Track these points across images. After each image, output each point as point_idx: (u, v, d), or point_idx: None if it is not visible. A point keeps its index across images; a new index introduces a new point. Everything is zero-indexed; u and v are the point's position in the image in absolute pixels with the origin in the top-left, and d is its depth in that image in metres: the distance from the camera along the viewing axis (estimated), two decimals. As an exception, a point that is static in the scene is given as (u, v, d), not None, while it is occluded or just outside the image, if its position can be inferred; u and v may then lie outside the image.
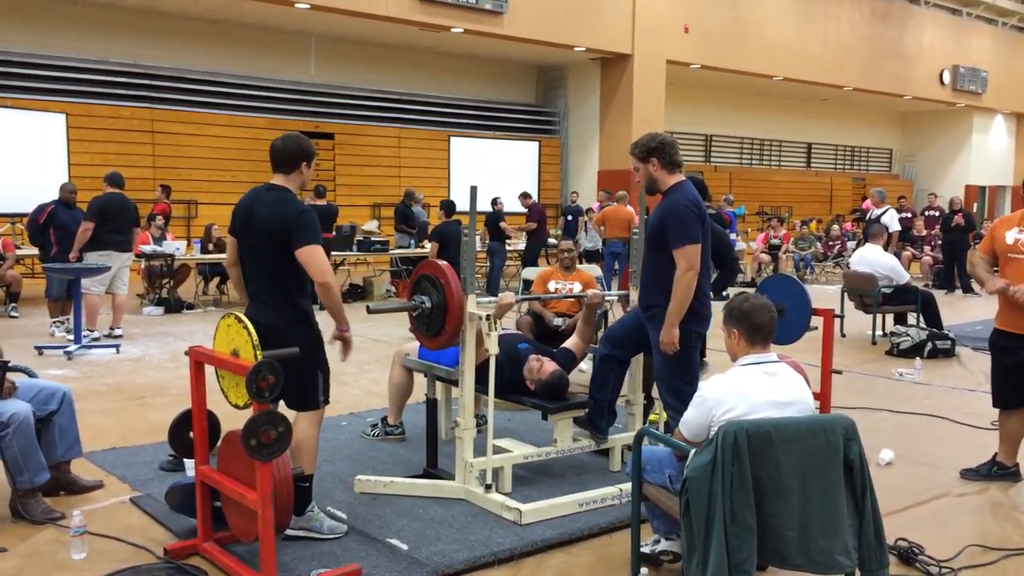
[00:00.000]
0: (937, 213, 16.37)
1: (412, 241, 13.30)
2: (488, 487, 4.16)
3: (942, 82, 25.18)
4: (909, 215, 16.49)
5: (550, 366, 4.58)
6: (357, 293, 12.64)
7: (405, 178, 17.47)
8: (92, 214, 8.52)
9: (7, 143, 13.53)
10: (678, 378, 4.17)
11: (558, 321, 6.30)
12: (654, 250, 4.19)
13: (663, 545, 3.47)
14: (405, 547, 3.66)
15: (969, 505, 4.42)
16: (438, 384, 4.82)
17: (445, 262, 4.18)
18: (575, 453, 4.63)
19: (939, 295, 10.90)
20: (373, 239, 12.98)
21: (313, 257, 3.61)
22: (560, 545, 3.77)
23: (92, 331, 8.44)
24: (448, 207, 10.33)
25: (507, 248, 13.67)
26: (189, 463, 4.19)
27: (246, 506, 3.21)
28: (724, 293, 5.37)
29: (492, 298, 4.67)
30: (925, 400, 6.49)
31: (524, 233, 14.09)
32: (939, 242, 14.97)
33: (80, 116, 14.29)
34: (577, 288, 6.40)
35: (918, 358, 7.87)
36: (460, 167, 18.86)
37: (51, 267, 8.26)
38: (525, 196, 14.60)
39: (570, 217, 16.21)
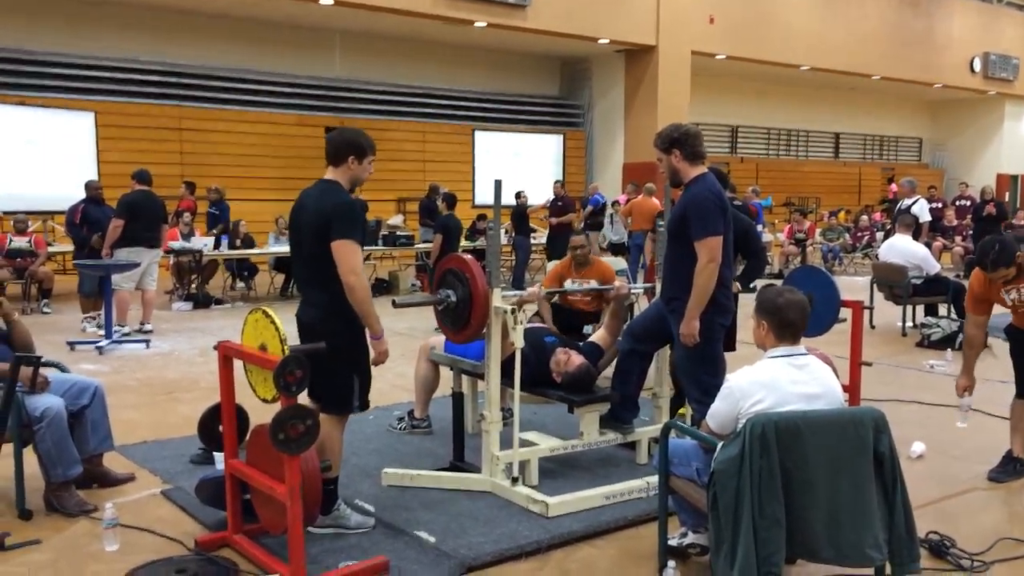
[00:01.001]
0: (968, 203, 16.15)
1: (437, 235, 13.31)
2: (515, 480, 4.16)
3: (972, 70, 24.79)
4: (939, 205, 16.27)
5: (577, 359, 4.57)
6: (383, 287, 12.69)
7: (430, 172, 17.50)
8: (121, 211, 8.62)
9: (37, 142, 13.70)
10: (701, 370, 4.14)
11: (587, 328, 6.16)
12: (675, 242, 4.17)
13: (690, 538, 3.46)
14: (432, 539, 3.67)
15: (1001, 498, 4.37)
16: (464, 378, 4.83)
17: (471, 256, 4.19)
18: (601, 446, 4.62)
19: (970, 286, 10.74)
20: (398, 233, 13.02)
21: (344, 251, 3.53)
22: (587, 538, 3.77)
23: (123, 326, 8.55)
24: (450, 199, 10.29)
25: (532, 242, 13.66)
26: (218, 456, 4.24)
27: (275, 499, 3.24)
28: (752, 284, 5.31)
29: (518, 292, 4.66)
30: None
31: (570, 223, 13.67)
32: (970, 232, 14.76)
33: (109, 114, 14.43)
34: (593, 285, 6.25)
35: (949, 349, 7.77)
36: (484, 161, 18.86)
37: (82, 263, 8.37)
38: (559, 185, 14.43)
39: (589, 206, 15.81)
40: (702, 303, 4.00)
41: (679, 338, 4.11)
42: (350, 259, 3.54)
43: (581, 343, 5.00)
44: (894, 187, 24.82)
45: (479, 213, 14.06)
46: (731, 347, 5.41)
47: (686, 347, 4.10)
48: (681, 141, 4.14)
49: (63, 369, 4.48)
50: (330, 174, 3.76)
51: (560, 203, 13.89)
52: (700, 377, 4.14)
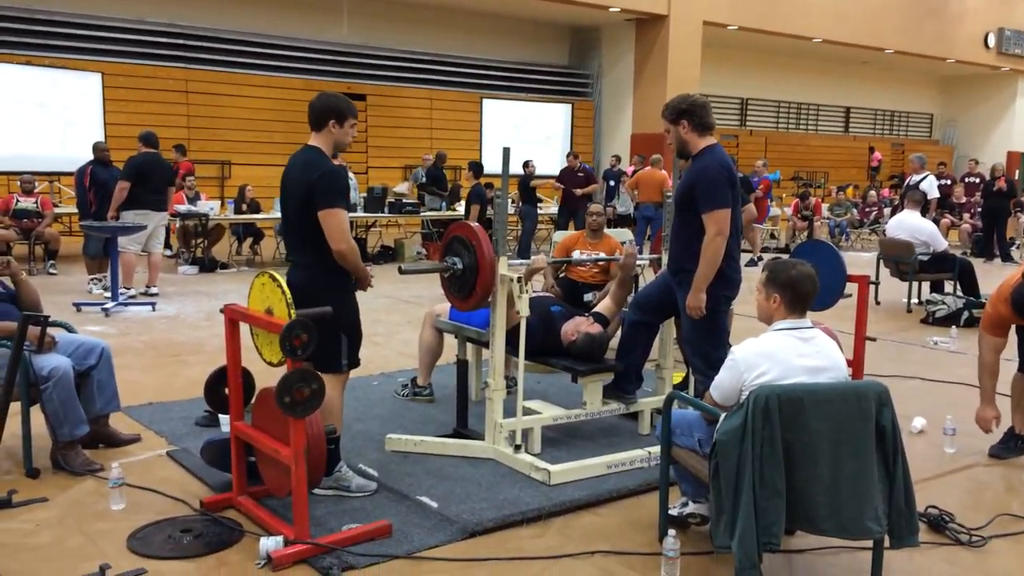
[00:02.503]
0: (977, 180, 16.04)
1: (443, 203, 13.29)
2: (517, 448, 4.19)
3: (986, 45, 24.53)
4: (948, 182, 16.17)
5: (599, 326, 4.59)
6: (388, 255, 12.70)
7: (436, 140, 17.43)
8: (128, 174, 8.61)
9: (44, 102, 13.66)
10: (706, 342, 4.15)
11: (588, 296, 6.20)
12: (683, 214, 4.15)
13: (691, 508, 3.48)
14: (435, 505, 3.70)
15: (1001, 474, 4.39)
16: (469, 345, 4.85)
17: (477, 224, 4.18)
18: (604, 416, 4.64)
19: (977, 263, 10.72)
20: (404, 201, 13.00)
21: (330, 221, 3.60)
22: (588, 506, 3.80)
23: (128, 289, 8.57)
24: (476, 168, 10.26)
25: (539, 211, 13.62)
26: (224, 419, 4.28)
27: (280, 461, 3.27)
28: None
29: (524, 261, 4.66)
30: (960, 369, 6.41)
31: (583, 195, 13.14)
32: (979, 209, 14.68)
33: (116, 76, 14.37)
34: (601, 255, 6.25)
35: (954, 327, 7.77)
36: (492, 129, 18.77)
37: (88, 225, 8.37)
38: (573, 156, 13.98)
39: (612, 182, 15.63)
40: (709, 276, 4.00)
41: (685, 310, 4.12)
42: (338, 228, 3.63)
43: (586, 313, 5.00)
44: (878, 155, 24.70)
45: (486, 182, 14.01)
46: None
47: (692, 319, 4.10)
48: (689, 112, 4.11)
49: (70, 329, 4.50)
50: (313, 140, 3.80)
51: (581, 174, 13.51)
52: (706, 350, 4.14)
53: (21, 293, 4.31)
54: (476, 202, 9.80)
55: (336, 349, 3.72)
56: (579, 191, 13.23)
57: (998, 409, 4.53)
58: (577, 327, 4.60)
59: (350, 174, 13.58)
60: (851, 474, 2.89)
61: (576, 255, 6.29)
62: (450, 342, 5.11)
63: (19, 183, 11.08)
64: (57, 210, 11.32)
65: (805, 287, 3.11)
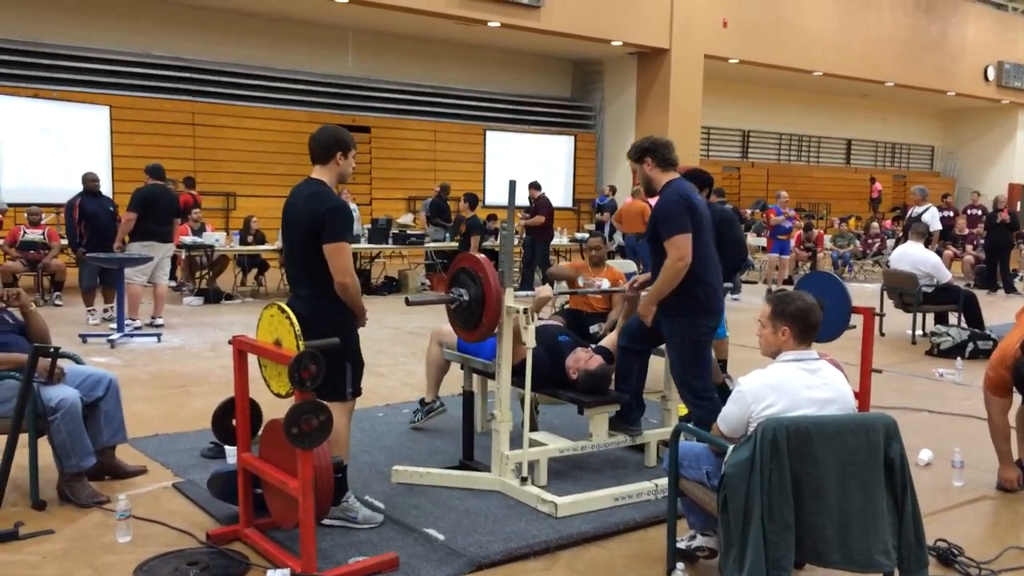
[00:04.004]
0: (980, 212, 16.10)
1: (447, 235, 13.33)
2: (524, 480, 4.18)
3: (986, 78, 24.71)
4: (951, 214, 16.23)
5: (597, 358, 4.60)
6: (392, 286, 12.72)
7: (440, 172, 17.54)
8: (135, 205, 8.66)
9: (53, 134, 13.78)
10: (689, 372, 4.26)
11: (594, 327, 6.21)
12: (655, 247, 4.31)
13: (699, 541, 3.47)
14: (442, 537, 3.69)
15: (1010, 507, 4.37)
16: (475, 376, 4.85)
17: (483, 256, 4.21)
18: (611, 448, 4.64)
19: (981, 295, 10.73)
20: (408, 232, 13.04)
21: (336, 254, 3.64)
22: (595, 539, 3.79)
23: (134, 320, 8.59)
24: (472, 200, 10.20)
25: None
26: (230, 450, 4.27)
27: (287, 493, 3.27)
28: (732, 283, 5.42)
29: (529, 292, 4.68)
30: (966, 401, 6.40)
31: (524, 228, 12.62)
32: (982, 241, 14.72)
33: (123, 108, 14.51)
34: (605, 285, 6.30)
35: (959, 358, 7.75)
36: (495, 161, 18.89)
37: (96, 256, 8.40)
38: (534, 187, 13.31)
39: (610, 214, 15.51)
40: (661, 294, 4.18)
41: (671, 340, 4.26)
42: (343, 262, 3.67)
43: (592, 345, 5.01)
44: (878, 186, 24.79)
45: (489, 213, 14.08)
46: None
47: (677, 350, 4.26)
48: (651, 150, 4.34)
49: (78, 361, 4.51)
50: (317, 173, 3.84)
51: (533, 204, 12.99)
52: (689, 380, 4.26)
53: (31, 324, 4.33)
54: (476, 233, 9.80)
55: (341, 378, 3.74)
56: (524, 222, 12.71)
57: (1018, 468, 4.53)
58: (577, 362, 4.60)
59: (353, 205, 13.65)
60: (860, 507, 2.89)
61: (580, 281, 6.33)
62: (455, 372, 5.11)
63: (26, 215, 11.15)
64: (63, 242, 11.37)
65: (814, 318, 3.14)
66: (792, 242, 14.56)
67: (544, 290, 5.01)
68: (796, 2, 19.94)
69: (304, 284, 3.81)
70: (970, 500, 4.41)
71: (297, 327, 3.26)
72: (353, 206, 12.93)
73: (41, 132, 13.69)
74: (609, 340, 5.03)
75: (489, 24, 15.78)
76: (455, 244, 12.62)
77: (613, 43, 17.57)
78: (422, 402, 5.36)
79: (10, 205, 12.76)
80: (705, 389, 4.26)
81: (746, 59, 19.24)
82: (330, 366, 3.58)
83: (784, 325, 3.16)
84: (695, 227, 4.14)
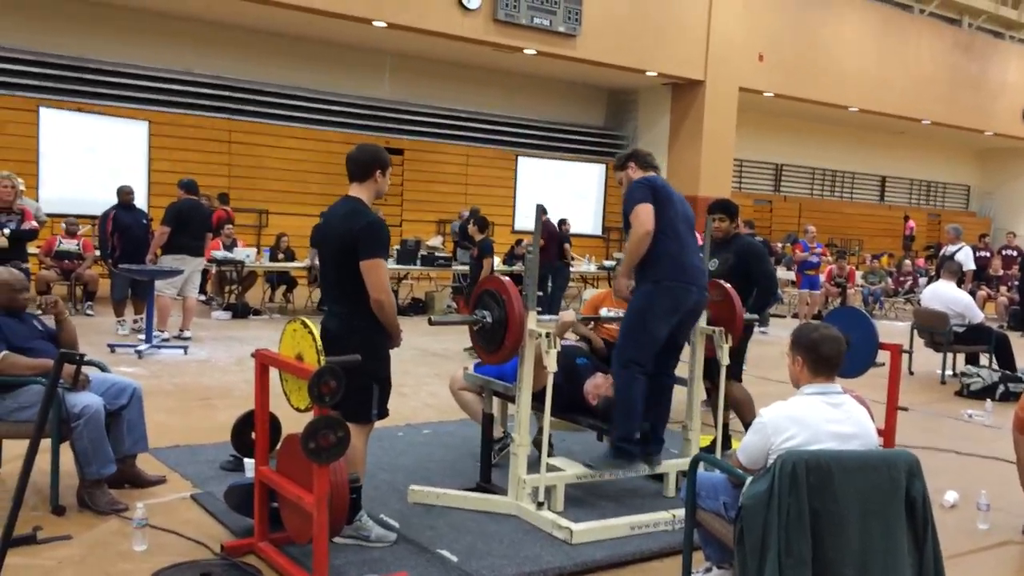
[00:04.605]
0: (1015, 252, 15.88)
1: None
2: (540, 505, 4.16)
3: (1025, 118, 24.49)
4: (987, 254, 16.02)
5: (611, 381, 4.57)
6: (419, 307, 12.76)
7: (471, 195, 17.62)
8: (169, 219, 8.79)
9: (93, 148, 14.05)
10: (627, 338, 4.38)
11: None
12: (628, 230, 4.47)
13: (715, 573, 3.43)
14: (455, 559, 3.67)
15: (1038, 553, 4.27)
16: (495, 399, 4.83)
17: (508, 279, 4.22)
18: (629, 476, 4.60)
19: (1014, 337, 10.55)
20: (437, 254, 13.10)
21: (372, 271, 3.66)
22: (610, 567, 3.75)
23: (163, 332, 8.69)
24: (481, 222, 10.06)
25: (571, 269, 13.65)
26: (249, 464, 4.29)
27: (302, 508, 3.27)
28: (765, 316, 5.41)
29: (552, 317, 4.68)
30: (995, 443, 6.28)
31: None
32: (1016, 282, 14.50)
33: (162, 124, 14.76)
34: None
35: (989, 400, 7.62)
36: (526, 187, 18.95)
37: (128, 268, 8.52)
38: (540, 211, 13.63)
39: None
40: (629, 263, 4.39)
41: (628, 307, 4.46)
42: (379, 278, 3.69)
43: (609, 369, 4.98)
44: (911, 224, 24.49)
45: (517, 238, 14.10)
46: (737, 376, 5.44)
47: (625, 318, 4.43)
48: (634, 156, 4.72)
49: (104, 369, 4.57)
50: (354, 191, 3.86)
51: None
52: (625, 347, 4.36)
53: (63, 331, 4.40)
54: (488, 255, 9.71)
55: (367, 399, 3.74)
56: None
57: None
58: (597, 388, 4.59)
59: (383, 225, 13.74)
60: (880, 545, 2.83)
61: (603, 311, 6.30)
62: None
63: (63, 225, 11.34)
64: (97, 253, 11.55)
65: (827, 349, 3.09)
66: (822, 277, 14.45)
67: (568, 315, 5.01)
68: (833, 37, 19.90)
69: (338, 301, 3.83)
70: (995, 544, 4.32)
71: (319, 342, 3.28)
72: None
73: (84, 147, 13.94)
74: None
75: (525, 51, 15.91)
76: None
77: (648, 73, 17.62)
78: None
79: (49, 215, 12.99)
80: (633, 361, 4.33)
81: (781, 93, 19.21)
82: (355, 386, 3.58)
83: (798, 354, 3.14)
84: (659, 203, 4.33)
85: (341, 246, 3.71)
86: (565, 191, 19.00)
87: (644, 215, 4.29)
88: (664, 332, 4.40)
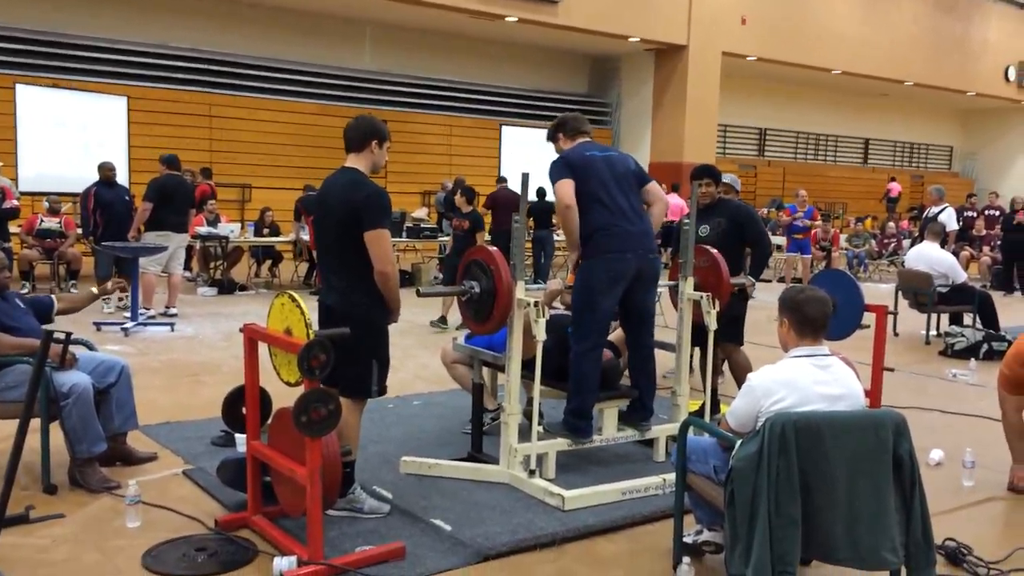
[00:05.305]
0: (997, 212, 15.97)
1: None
2: (532, 472, 4.19)
3: (1007, 78, 24.52)
4: (974, 215, 16.11)
5: (607, 353, 4.59)
6: (406, 279, 12.72)
7: (455, 166, 17.55)
8: (151, 195, 8.71)
9: (70, 124, 13.88)
10: (576, 317, 4.44)
11: None
12: None
13: (705, 535, 3.46)
14: (448, 528, 3.70)
15: (1020, 508, 4.34)
16: (484, 369, 4.85)
17: (495, 248, 4.21)
18: (620, 442, 4.63)
19: (997, 296, 10.65)
20: (422, 226, 13.06)
21: (377, 242, 3.62)
22: (602, 532, 3.79)
23: (148, 309, 8.64)
24: (469, 193, 9.77)
25: (556, 238, 13.64)
26: (240, 439, 4.29)
27: (295, 481, 3.28)
28: (754, 282, 5.36)
29: (540, 285, 4.68)
30: (979, 402, 6.35)
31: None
32: (998, 242, 14.60)
33: (141, 99, 14.58)
34: None
35: (973, 359, 7.70)
36: (511, 156, 18.87)
37: (111, 245, 8.45)
38: (499, 180, 13.32)
39: None
40: (570, 240, 4.41)
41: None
42: (383, 249, 3.64)
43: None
44: (895, 186, 24.60)
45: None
46: (738, 340, 5.45)
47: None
48: (562, 125, 4.75)
49: (91, 347, 4.55)
50: (351, 161, 3.82)
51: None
52: (576, 325, 4.42)
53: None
54: (481, 229, 9.53)
55: (367, 375, 3.73)
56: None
57: None
58: None
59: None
60: (868, 504, 2.87)
61: None
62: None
63: (45, 203, 11.22)
64: (80, 231, 11.45)
65: (811, 310, 3.11)
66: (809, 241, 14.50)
67: (555, 283, 5.01)
68: (816, 1, 19.81)
69: (337, 274, 3.78)
70: (980, 500, 4.38)
71: (308, 316, 3.27)
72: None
73: (62, 123, 13.78)
74: (615, 336, 5.02)
75: (506, 19, 15.77)
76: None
77: (630, 39, 17.52)
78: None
79: (27, 194, 12.86)
80: (584, 337, 4.36)
81: (764, 57, 19.14)
82: (355, 362, 3.57)
83: (784, 316, 3.17)
84: (579, 177, 4.37)
85: (342, 218, 3.65)
86: (550, 160, 18.88)
87: (561, 191, 4.34)
88: (610, 304, 4.41)
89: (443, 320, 8.93)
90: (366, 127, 3.83)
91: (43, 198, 11.63)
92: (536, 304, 4.11)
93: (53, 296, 4.74)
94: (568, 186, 4.34)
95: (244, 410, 3.73)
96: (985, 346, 8.11)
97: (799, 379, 3.04)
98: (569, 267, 5.26)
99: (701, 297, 4.76)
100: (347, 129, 3.86)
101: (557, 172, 4.44)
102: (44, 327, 4.04)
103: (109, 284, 5.27)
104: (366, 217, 3.61)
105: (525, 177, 4.28)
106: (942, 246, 9.50)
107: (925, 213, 12.65)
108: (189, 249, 11.00)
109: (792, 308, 3.15)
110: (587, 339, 4.36)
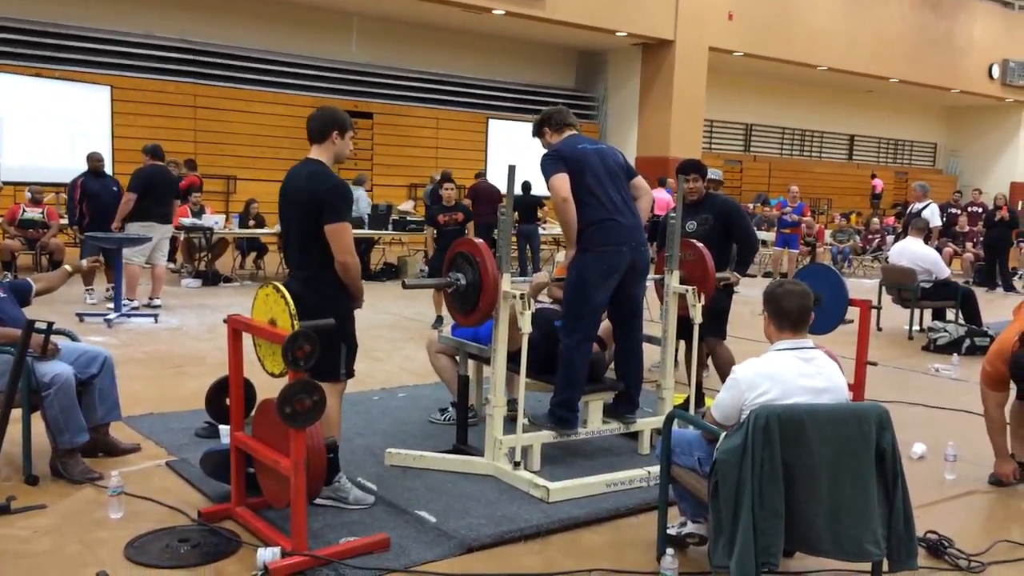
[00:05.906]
0: (980, 209, 16.10)
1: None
2: (517, 464, 4.19)
3: (991, 76, 24.69)
4: (958, 211, 16.22)
5: (593, 346, 4.59)
6: (392, 272, 12.71)
7: (442, 159, 17.51)
8: (135, 185, 8.64)
9: (54, 114, 13.75)
10: (568, 309, 4.43)
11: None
12: None
13: (689, 528, 3.47)
14: (433, 519, 3.70)
15: (1001, 501, 4.37)
16: (470, 361, 4.84)
17: (482, 240, 4.21)
18: (604, 435, 4.64)
19: (980, 293, 10.73)
20: (408, 219, 13.02)
21: (338, 234, 3.65)
22: (587, 524, 3.79)
23: (132, 300, 8.59)
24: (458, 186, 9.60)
25: (541, 231, 13.64)
26: (224, 430, 4.27)
27: (279, 472, 3.27)
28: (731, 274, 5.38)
29: (526, 278, 4.68)
30: (961, 396, 6.40)
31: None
32: (981, 238, 14.72)
33: (125, 89, 14.48)
34: None
35: (955, 354, 7.76)
36: (498, 149, 18.85)
37: (94, 236, 8.38)
38: (477, 175, 13.50)
39: None
40: (568, 234, 4.38)
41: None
42: (344, 241, 3.68)
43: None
44: (879, 182, 24.76)
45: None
46: (722, 334, 5.47)
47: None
48: (547, 120, 4.71)
49: (73, 338, 4.51)
50: (314, 153, 3.83)
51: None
52: (567, 318, 4.43)
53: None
54: (469, 219, 9.47)
55: (335, 359, 3.74)
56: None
57: (1014, 462, 4.52)
58: None
59: (362, 190, 13.58)
60: (851, 496, 2.89)
61: None
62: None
63: (27, 193, 11.13)
64: (63, 221, 11.36)
65: (789, 303, 3.13)
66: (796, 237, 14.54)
67: (541, 276, 5.01)
68: (802, -4, 19.90)
69: (300, 264, 3.82)
70: (962, 494, 4.42)
71: (292, 307, 3.26)
72: (360, 192, 12.89)
73: (43, 111, 13.66)
74: (602, 329, 5.02)
75: (494, 12, 15.73)
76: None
77: (618, 34, 17.52)
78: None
79: (9, 184, 12.75)
80: (575, 330, 4.37)
81: (751, 52, 19.19)
82: (325, 346, 3.57)
83: (764, 309, 3.20)
84: (573, 171, 4.33)
85: (306, 209, 3.68)
86: (537, 153, 18.85)
87: (557, 185, 4.30)
88: (602, 297, 4.41)
89: (440, 320, 8.91)
90: (326, 118, 3.83)
91: (25, 188, 11.52)
92: (522, 296, 4.11)
93: (30, 279, 4.71)
94: (564, 179, 4.31)
95: (228, 401, 3.72)
96: (967, 341, 8.17)
97: (783, 372, 3.05)
98: (556, 261, 5.26)
99: (687, 291, 4.77)
100: (308, 120, 3.87)
101: (551, 165, 4.40)
102: (28, 319, 3.99)
103: (84, 263, 5.30)
104: (327, 210, 3.64)
105: (512, 169, 4.26)
106: (926, 242, 9.57)
107: (909, 209, 12.72)
108: (173, 240, 10.93)
109: (770, 301, 3.18)
110: (578, 332, 4.37)
